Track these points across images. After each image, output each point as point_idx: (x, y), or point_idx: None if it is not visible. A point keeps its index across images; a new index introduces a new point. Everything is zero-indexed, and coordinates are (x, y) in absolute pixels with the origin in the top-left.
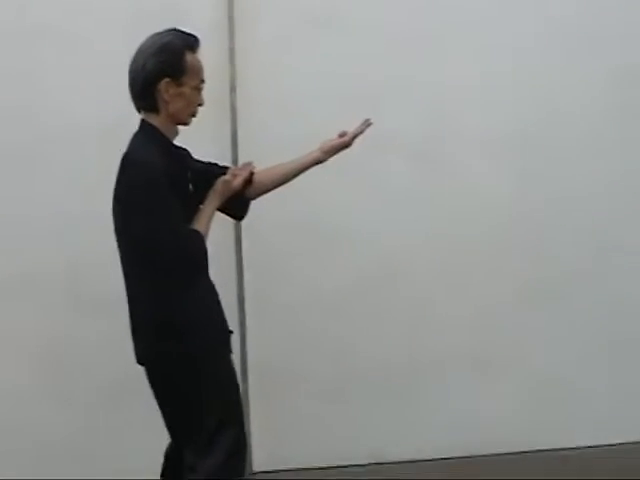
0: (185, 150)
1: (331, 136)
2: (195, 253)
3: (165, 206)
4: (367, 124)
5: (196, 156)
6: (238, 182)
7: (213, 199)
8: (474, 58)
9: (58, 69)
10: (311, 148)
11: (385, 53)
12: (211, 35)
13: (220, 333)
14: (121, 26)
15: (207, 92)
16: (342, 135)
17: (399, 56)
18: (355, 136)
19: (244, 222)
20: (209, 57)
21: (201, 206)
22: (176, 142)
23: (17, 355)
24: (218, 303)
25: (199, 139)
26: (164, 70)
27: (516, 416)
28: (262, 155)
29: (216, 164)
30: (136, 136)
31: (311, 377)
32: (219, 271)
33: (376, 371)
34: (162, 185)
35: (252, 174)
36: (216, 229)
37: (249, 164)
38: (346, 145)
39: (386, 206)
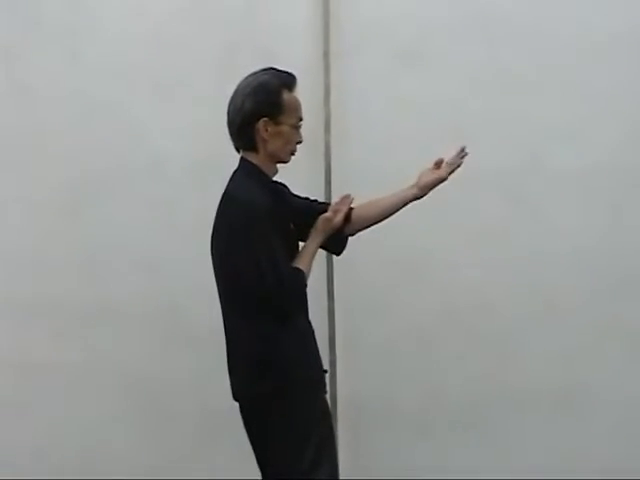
0: (284, 185)
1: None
2: (295, 291)
3: (267, 244)
4: (463, 154)
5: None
6: (339, 219)
7: (315, 237)
8: (567, 95)
9: (150, 106)
10: (404, 185)
11: (476, 88)
12: (305, 73)
13: (316, 372)
14: (215, 65)
15: (302, 132)
16: (438, 163)
17: (490, 91)
18: (452, 168)
19: (335, 258)
20: (303, 95)
21: (302, 244)
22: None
23: (103, 386)
24: (314, 342)
25: (293, 177)
26: (262, 109)
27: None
28: (356, 194)
29: (315, 200)
30: (236, 174)
31: (401, 414)
32: (310, 307)
33: (465, 408)
34: (264, 223)
35: (350, 209)
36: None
37: (347, 197)
38: (442, 179)
39: (475, 242)
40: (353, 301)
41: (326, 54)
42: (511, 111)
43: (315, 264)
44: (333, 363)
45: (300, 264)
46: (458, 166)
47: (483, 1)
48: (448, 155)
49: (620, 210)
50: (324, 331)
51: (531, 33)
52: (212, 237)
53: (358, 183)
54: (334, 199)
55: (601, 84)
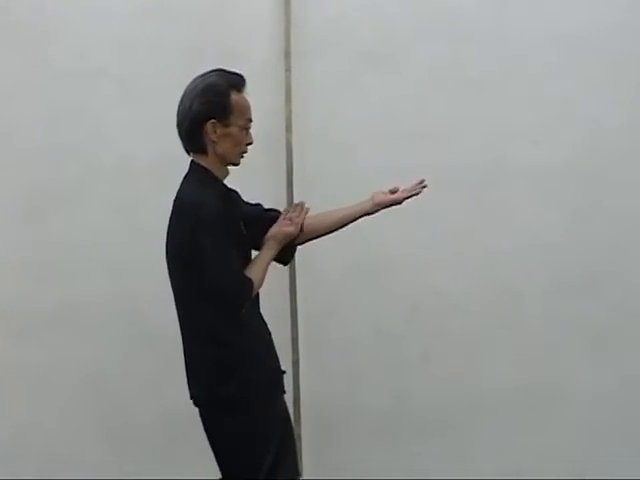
0: (236, 192)
1: (387, 176)
2: (242, 297)
3: (218, 246)
4: (422, 185)
5: (251, 197)
6: (297, 229)
7: (271, 246)
8: (531, 94)
9: (112, 106)
10: (368, 188)
11: (439, 87)
12: (267, 72)
13: (274, 373)
14: (179, 66)
15: (262, 132)
16: (394, 192)
17: (453, 90)
18: (408, 197)
19: (298, 260)
20: (264, 96)
21: (255, 252)
22: (230, 183)
23: (64, 387)
24: (270, 342)
25: (254, 179)
26: (209, 111)
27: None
28: (318, 196)
29: (269, 209)
30: (187, 178)
31: (366, 416)
32: (272, 310)
33: (431, 409)
34: (215, 226)
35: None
36: (270, 267)
37: (301, 205)
38: (396, 203)
39: (440, 242)
40: (316, 301)
41: (287, 54)
42: (474, 110)
43: (276, 265)
44: (296, 364)
45: (253, 272)
46: (416, 194)
47: (446, 0)
48: (411, 158)
49: (582, 208)
50: (286, 331)
51: (494, 31)
52: (166, 243)
53: (321, 184)
54: (296, 199)
55: (565, 84)
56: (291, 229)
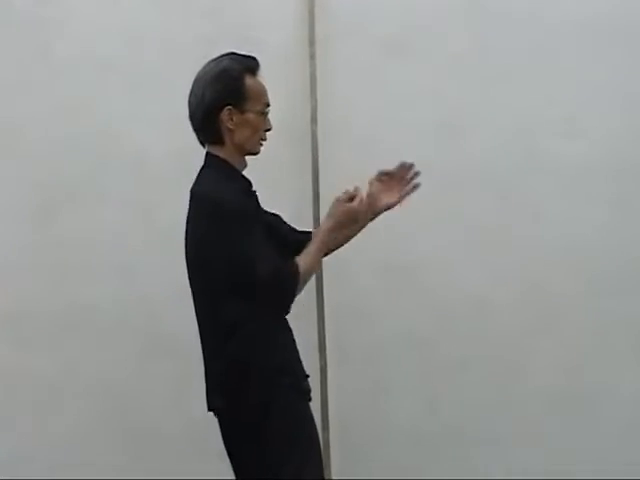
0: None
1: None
2: (290, 285)
3: (249, 235)
4: (414, 174)
5: (275, 194)
6: (360, 202)
7: (328, 226)
8: (562, 84)
9: (123, 99)
10: None
11: (465, 77)
12: (290, 62)
13: (299, 378)
14: (194, 57)
15: (285, 124)
16: (385, 172)
17: (481, 81)
18: (405, 195)
19: (325, 261)
20: (287, 86)
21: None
22: (253, 178)
23: (76, 397)
24: (293, 344)
25: (277, 175)
26: (224, 98)
27: None
28: (344, 187)
29: (288, 224)
30: (204, 171)
31: (396, 424)
32: (298, 313)
33: (465, 418)
34: (242, 219)
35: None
36: None
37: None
38: (394, 205)
39: (471, 242)
40: (344, 304)
41: (312, 42)
42: (504, 102)
43: None
44: (323, 370)
45: (303, 257)
46: (413, 190)
47: None
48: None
49: (619, 203)
50: (313, 335)
51: (524, 17)
52: (185, 241)
53: (346, 175)
54: (323, 196)
55: (598, 71)
56: (352, 204)
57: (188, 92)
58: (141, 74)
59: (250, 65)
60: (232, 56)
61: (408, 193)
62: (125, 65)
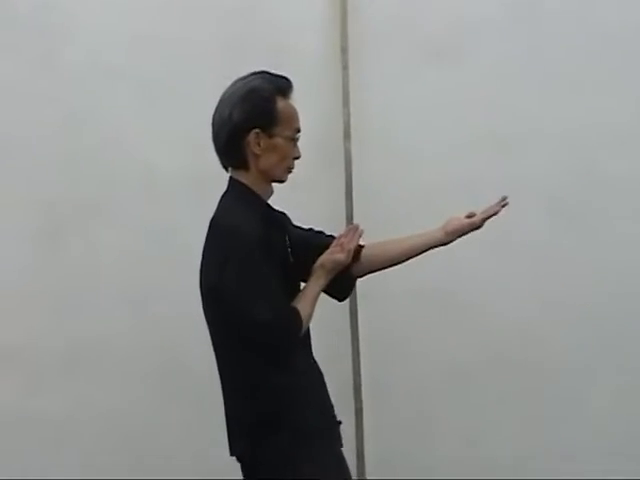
0: (283, 214)
1: (459, 188)
2: (289, 330)
3: (256, 275)
4: (503, 203)
5: (305, 215)
6: (348, 256)
7: (319, 276)
8: (626, 93)
9: (134, 111)
10: (438, 202)
11: (516, 87)
12: (321, 72)
13: (322, 422)
14: (215, 66)
15: (317, 139)
16: (470, 216)
17: (533, 91)
18: (488, 217)
19: (360, 291)
20: (318, 98)
21: (303, 284)
22: (281, 200)
23: (84, 440)
24: (322, 387)
25: (308, 195)
26: (252, 120)
27: None
28: (379, 209)
29: (321, 232)
30: (225, 197)
31: (438, 469)
32: (330, 351)
33: (514, 458)
34: (252, 252)
35: (360, 247)
36: (326, 299)
37: (354, 228)
38: (476, 227)
39: (521, 266)
40: (380, 339)
41: (344, 50)
42: (559, 111)
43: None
44: (359, 412)
45: (299, 305)
46: (495, 214)
47: None
48: (485, 167)
49: None
50: (347, 375)
51: (581, 17)
52: (200, 272)
53: (382, 196)
54: (356, 217)
55: None
56: (341, 256)
57: (206, 104)
58: (154, 84)
59: (282, 86)
60: (263, 75)
61: (489, 216)
62: (137, 74)
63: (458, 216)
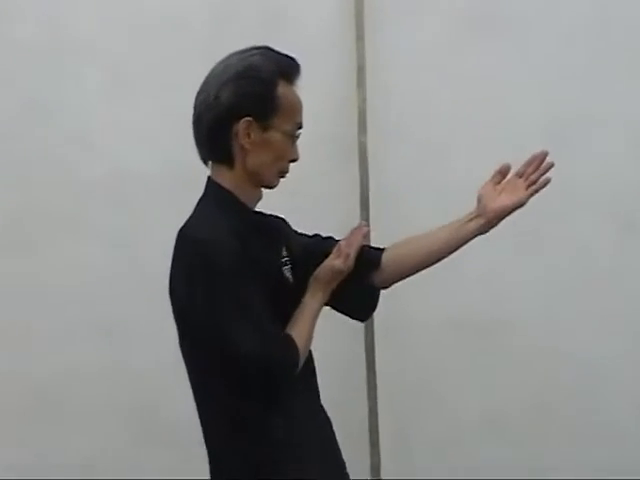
0: (281, 221)
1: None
2: (281, 362)
3: (236, 298)
4: (547, 165)
5: (313, 221)
6: (349, 263)
7: (316, 291)
8: None
9: (103, 102)
10: (461, 200)
11: (578, 68)
12: (331, 48)
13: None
14: (200, 41)
15: (325, 131)
16: (503, 172)
17: (601, 72)
18: (536, 191)
19: (379, 319)
20: (326, 79)
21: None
22: (284, 203)
23: None
24: (326, 441)
25: (317, 197)
26: (245, 105)
27: None
28: (400, 215)
29: (329, 238)
30: (200, 202)
31: None
32: (341, 388)
33: None
34: (231, 271)
35: (380, 251)
36: (336, 329)
37: (359, 227)
38: (520, 204)
39: (577, 287)
40: (403, 375)
41: (359, 16)
42: (629, 102)
43: (345, 325)
44: (375, 468)
45: (294, 329)
46: (544, 185)
47: None
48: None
49: None
50: (363, 422)
51: None
52: (169, 290)
53: (403, 197)
54: (373, 219)
55: None
56: (337, 263)
57: (189, 91)
58: (127, 66)
59: (287, 68)
60: (265, 51)
61: (536, 191)
62: (106, 55)
63: (489, 189)
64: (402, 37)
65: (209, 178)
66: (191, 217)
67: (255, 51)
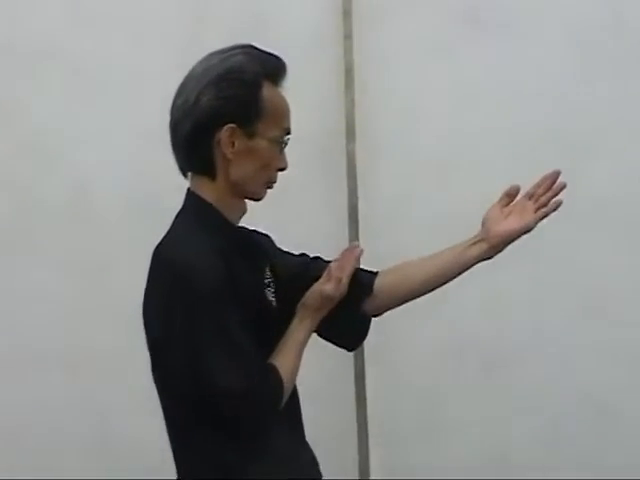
0: (266, 237)
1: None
2: (262, 400)
3: (218, 328)
4: (558, 186)
5: (297, 238)
6: (341, 289)
7: (304, 317)
8: None
9: (62, 107)
10: (467, 223)
11: (588, 72)
12: (315, 44)
13: None
14: (171, 40)
15: (310, 139)
16: (511, 194)
17: (611, 76)
18: (544, 216)
19: (368, 348)
20: (312, 81)
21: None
22: (264, 219)
23: None
24: (313, 474)
25: (301, 211)
26: (228, 110)
27: None
28: (391, 225)
29: (317, 258)
30: (178, 218)
31: None
32: (329, 422)
33: None
34: (212, 295)
35: (374, 275)
36: (322, 357)
37: (351, 248)
38: (527, 230)
39: (586, 313)
40: (395, 408)
41: (347, 14)
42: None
43: (334, 354)
44: None
45: (278, 360)
46: (555, 208)
47: None
48: (529, 179)
49: None
50: (352, 452)
51: None
52: (143, 316)
53: (395, 210)
54: (361, 234)
55: None
56: (327, 288)
57: (160, 94)
58: (90, 67)
59: (273, 69)
60: (249, 50)
61: (546, 214)
62: (67, 55)
63: (495, 212)
64: (394, 36)
65: (188, 190)
66: (168, 234)
67: (238, 50)
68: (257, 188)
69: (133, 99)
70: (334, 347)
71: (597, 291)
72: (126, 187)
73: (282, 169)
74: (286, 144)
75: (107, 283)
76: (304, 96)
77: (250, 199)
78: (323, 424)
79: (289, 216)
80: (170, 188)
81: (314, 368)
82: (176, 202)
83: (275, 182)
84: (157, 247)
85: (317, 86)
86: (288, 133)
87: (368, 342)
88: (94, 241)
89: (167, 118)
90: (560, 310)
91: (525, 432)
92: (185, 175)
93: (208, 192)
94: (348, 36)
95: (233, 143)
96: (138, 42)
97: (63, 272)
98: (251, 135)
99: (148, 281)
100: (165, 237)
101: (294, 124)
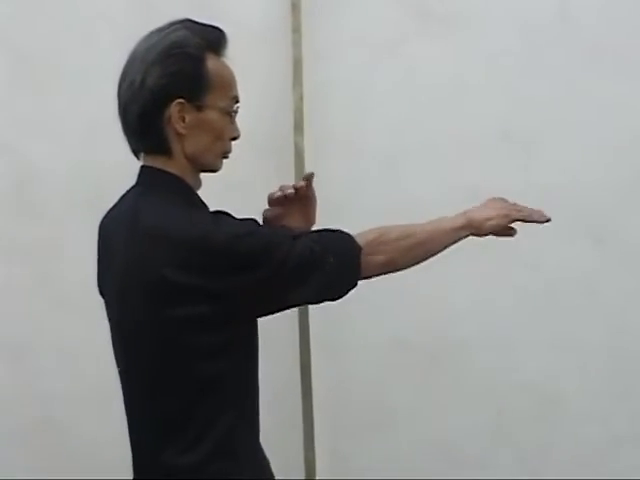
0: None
1: (451, 200)
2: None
3: (269, 239)
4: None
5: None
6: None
7: (460, 216)
8: None
9: (4, 92)
10: (421, 215)
11: (544, 68)
12: (263, 38)
13: None
14: (116, 26)
15: (258, 132)
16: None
17: (570, 73)
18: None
19: (315, 341)
20: (260, 74)
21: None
22: (212, 207)
23: None
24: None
25: (251, 195)
26: (174, 86)
27: None
28: (338, 220)
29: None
30: (140, 195)
31: None
32: (275, 415)
33: None
34: (242, 230)
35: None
36: (267, 349)
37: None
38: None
39: (534, 307)
40: (341, 400)
41: (295, 7)
42: (601, 103)
43: (282, 345)
44: None
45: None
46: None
47: None
48: (494, 173)
49: None
50: (297, 456)
51: None
52: (119, 293)
53: (344, 206)
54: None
55: None
56: (494, 223)
57: (104, 77)
58: (33, 52)
59: (214, 39)
60: (188, 24)
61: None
62: (9, 39)
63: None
64: (344, 30)
65: (144, 167)
66: (148, 214)
67: (177, 25)
68: (213, 160)
69: (80, 79)
70: (280, 337)
71: (542, 281)
72: (72, 171)
73: (235, 138)
74: (236, 112)
75: (52, 272)
76: (252, 90)
77: (208, 171)
78: (269, 415)
79: (236, 209)
80: (117, 179)
81: (259, 359)
82: (122, 192)
83: (230, 152)
84: (147, 231)
85: (265, 80)
86: (237, 101)
87: (314, 333)
88: (39, 231)
89: (113, 105)
90: (505, 301)
91: (472, 423)
92: (138, 156)
93: (169, 169)
94: (297, 30)
95: (184, 118)
96: (86, 30)
97: (3, 260)
98: (200, 108)
99: (128, 261)
100: (147, 218)
101: (242, 117)
